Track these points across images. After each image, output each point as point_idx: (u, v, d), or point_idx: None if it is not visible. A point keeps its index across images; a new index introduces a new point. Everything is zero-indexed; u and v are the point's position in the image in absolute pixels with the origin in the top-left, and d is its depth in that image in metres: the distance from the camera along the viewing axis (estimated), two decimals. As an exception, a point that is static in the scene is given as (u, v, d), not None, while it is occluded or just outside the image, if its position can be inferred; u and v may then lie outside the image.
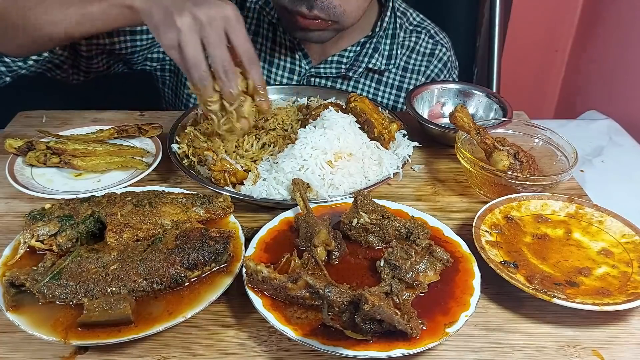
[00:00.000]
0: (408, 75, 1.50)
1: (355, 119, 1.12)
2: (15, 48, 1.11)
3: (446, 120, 1.25)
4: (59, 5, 1.02)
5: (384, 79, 1.49)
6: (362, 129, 1.12)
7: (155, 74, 1.53)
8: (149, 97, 1.62)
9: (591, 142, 1.65)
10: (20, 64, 1.13)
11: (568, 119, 1.91)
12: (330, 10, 1.20)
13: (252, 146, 1.11)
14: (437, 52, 1.51)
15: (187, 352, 0.75)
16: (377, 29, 1.42)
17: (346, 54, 1.44)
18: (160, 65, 1.48)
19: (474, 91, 1.34)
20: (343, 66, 1.44)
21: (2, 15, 1.06)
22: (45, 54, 1.15)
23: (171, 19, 0.91)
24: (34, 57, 1.14)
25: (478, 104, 1.33)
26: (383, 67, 1.45)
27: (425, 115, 1.32)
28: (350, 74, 1.44)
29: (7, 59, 1.12)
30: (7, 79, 1.16)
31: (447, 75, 1.54)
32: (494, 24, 1.88)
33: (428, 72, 1.51)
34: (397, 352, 0.70)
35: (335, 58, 1.44)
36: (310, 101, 1.32)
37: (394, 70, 1.48)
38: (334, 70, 1.44)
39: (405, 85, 1.50)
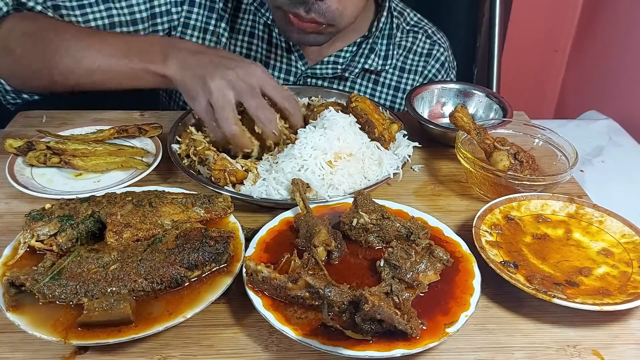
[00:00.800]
0: (405, 75, 1.49)
1: (356, 119, 1.12)
2: (35, 89, 1.18)
3: (446, 120, 1.25)
4: (89, 60, 1.06)
5: (381, 79, 1.48)
6: (362, 129, 1.12)
7: None
8: (148, 97, 1.62)
9: (591, 142, 1.65)
10: (37, 97, 1.21)
11: (568, 119, 1.91)
12: (328, 13, 1.19)
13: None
14: (434, 52, 1.50)
15: (187, 352, 0.75)
16: (374, 29, 1.41)
17: (342, 54, 1.44)
18: None
19: (474, 91, 1.34)
20: (339, 67, 1.43)
21: (26, 60, 1.10)
22: None
23: (204, 83, 0.99)
24: None
25: (478, 104, 1.33)
26: (379, 68, 1.45)
27: (425, 115, 1.32)
28: (347, 74, 1.43)
29: (25, 95, 1.19)
30: (19, 101, 1.23)
31: (445, 76, 1.54)
32: (494, 24, 1.88)
33: (425, 72, 1.50)
34: (397, 352, 0.70)
35: (332, 58, 1.43)
36: (312, 101, 1.32)
37: (390, 70, 1.48)
38: (330, 71, 1.43)
39: (402, 86, 1.49)
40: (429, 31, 1.52)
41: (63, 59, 1.07)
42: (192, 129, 1.14)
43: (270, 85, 1.04)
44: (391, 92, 1.50)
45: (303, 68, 1.44)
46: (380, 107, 1.23)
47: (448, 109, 1.34)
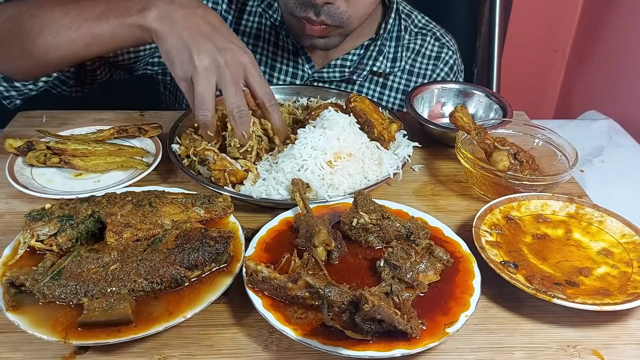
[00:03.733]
0: (413, 79, 1.48)
1: (355, 119, 1.12)
2: (20, 71, 1.11)
3: (446, 120, 1.25)
4: (67, 28, 1.01)
5: (389, 82, 1.47)
6: (362, 129, 1.12)
7: (156, 78, 1.52)
8: (148, 97, 1.62)
9: (591, 142, 1.65)
10: (31, 86, 1.14)
11: (568, 119, 1.91)
12: (337, 16, 1.19)
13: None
14: (443, 55, 1.49)
15: (187, 352, 0.75)
16: (382, 32, 1.40)
17: (350, 57, 1.42)
18: (162, 69, 1.47)
19: (474, 91, 1.34)
20: (347, 70, 1.42)
21: (3, 40, 1.06)
22: (55, 74, 1.16)
23: (189, 55, 0.96)
24: (44, 78, 1.15)
25: (478, 104, 1.33)
26: (388, 70, 1.43)
27: (425, 115, 1.32)
28: (354, 77, 1.42)
29: (17, 84, 1.13)
30: (18, 101, 1.18)
31: (453, 79, 1.52)
32: (494, 24, 1.89)
33: (434, 75, 1.49)
34: (397, 352, 0.70)
35: (339, 62, 1.42)
36: (311, 101, 1.32)
37: (398, 73, 1.46)
38: (337, 74, 1.42)
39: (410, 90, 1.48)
40: (438, 34, 1.50)
41: (42, 34, 1.02)
42: (192, 130, 1.14)
43: (254, 78, 1.01)
44: (399, 95, 1.48)
45: (310, 72, 1.42)
46: (379, 107, 1.23)
47: (448, 109, 1.34)
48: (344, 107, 1.19)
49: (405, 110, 1.48)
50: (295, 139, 1.05)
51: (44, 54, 1.05)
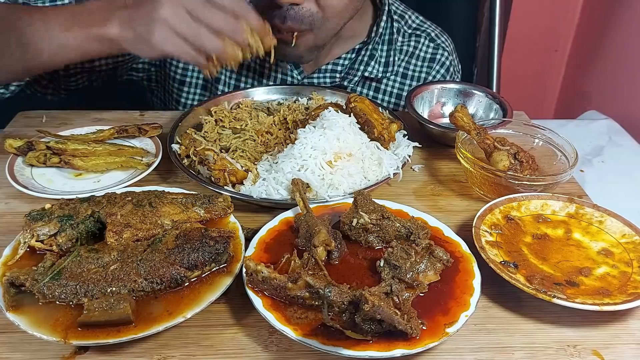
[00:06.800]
0: (408, 81, 1.45)
1: (355, 119, 1.12)
2: None
3: (446, 120, 1.25)
4: (32, 38, 1.00)
5: (382, 86, 1.44)
6: (362, 129, 1.12)
7: (142, 84, 1.50)
8: (148, 98, 1.62)
9: (591, 142, 1.65)
10: (2, 91, 1.13)
11: (568, 119, 1.91)
12: (305, 18, 1.14)
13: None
14: (438, 56, 1.46)
15: (186, 352, 0.75)
16: (373, 35, 1.37)
17: (340, 61, 1.39)
18: (146, 75, 1.44)
19: (474, 91, 1.34)
20: (338, 75, 1.39)
21: None
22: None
23: (150, 18, 0.92)
24: (15, 83, 1.13)
25: (478, 104, 1.33)
26: (380, 75, 1.40)
27: (425, 115, 1.32)
28: (346, 83, 1.39)
29: None
30: None
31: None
32: (494, 24, 1.89)
33: (429, 77, 1.47)
34: (397, 352, 0.70)
35: (329, 67, 1.39)
36: (310, 101, 1.32)
37: (392, 77, 1.44)
38: (328, 80, 1.39)
39: (404, 93, 1.45)
40: (432, 34, 1.47)
41: (9, 44, 1.00)
42: (192, 130, 1.14)
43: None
44: (393, 99, 1.46)
45: (299, 77, 1.39)
46: (379, 107, 1.23)
47: (448, 109, 1.34)
48: (344, 107, 1.19)
49: (404, 110, 1.48)
50: (295, 139, 1.05)
51: (11, 63, 1.03)
